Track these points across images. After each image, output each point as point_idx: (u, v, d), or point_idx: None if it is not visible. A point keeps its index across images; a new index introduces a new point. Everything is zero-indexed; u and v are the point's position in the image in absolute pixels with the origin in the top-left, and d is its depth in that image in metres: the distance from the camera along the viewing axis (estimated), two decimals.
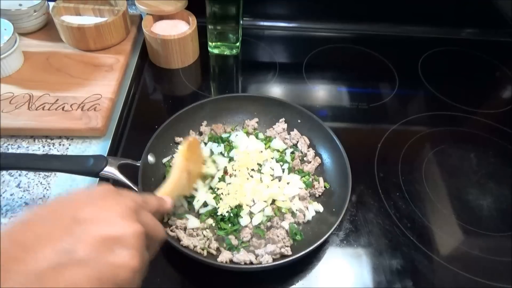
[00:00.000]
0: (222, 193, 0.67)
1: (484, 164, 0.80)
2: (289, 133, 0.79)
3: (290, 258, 0.57)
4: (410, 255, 0.65)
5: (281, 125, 0.79)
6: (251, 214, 0.66)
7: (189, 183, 0.64)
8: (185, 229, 0.64)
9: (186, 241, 0.61)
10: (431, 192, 0.74)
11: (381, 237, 0.67)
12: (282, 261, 0.57)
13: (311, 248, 0.57)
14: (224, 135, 0.77)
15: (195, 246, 0.61)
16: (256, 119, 0.80)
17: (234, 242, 0.63)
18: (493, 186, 0.76)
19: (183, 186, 0.61)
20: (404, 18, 1.08)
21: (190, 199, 0.67)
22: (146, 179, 0.66)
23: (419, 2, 1.04)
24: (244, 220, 0.65)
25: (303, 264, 0.63)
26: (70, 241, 0.32)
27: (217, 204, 0.65)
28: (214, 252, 0.62)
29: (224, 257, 0.59)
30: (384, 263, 0.64)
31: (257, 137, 0.77)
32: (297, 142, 0.77)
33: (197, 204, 0.66)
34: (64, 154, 0.66)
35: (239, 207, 0.65)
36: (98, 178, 0.71)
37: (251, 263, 0.59)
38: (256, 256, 0.61)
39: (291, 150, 0.76)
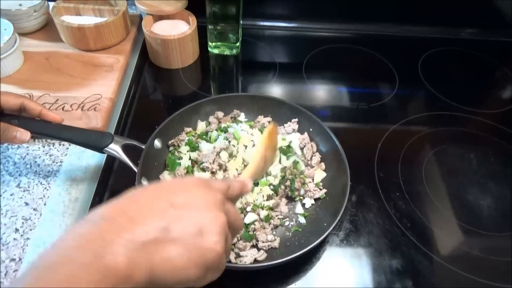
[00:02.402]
0: None
1: (484, 164, 0.80)
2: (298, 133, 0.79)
3: (287, 258, 0.57)
4: (410, 255, 0.65)
5: (292, 125, 0.79)
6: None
7: (263, 170, 0.64)
8: None
9: None
10: (431, 192, 0.74)
11: (381, 237, 0.67)
12: (279, 261, 0.57)
13: (301, 252, 0.57)
14: (230, 128, 0.77)
15: None
16: (269, 118, 0.80)
17: None
18: (493, 186, 0.76)
19: (259, 173, 0.61)
20: (404, 18, 1.08)
21: None
22: (149, 163, 0.68)
23: (419, 2, 1.04)
24: None
25: (303, 264, 0.63)
26: (167, 221, 0.36)
27: None
28: None
29: None
30: (384, 263, 0.64)
31: (262, 132, 0.77)
32: (304, 146, 0.77)
33: None
34: (76, 126, 0.68)
35: None
36: (98, 178, 0.71)
37: (229, 261, 0.59)
38: (238, 255, 0.61)
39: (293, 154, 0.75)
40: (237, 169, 0.71)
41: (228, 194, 0.44)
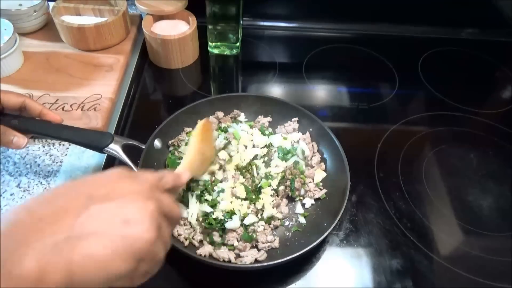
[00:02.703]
0: (216, 202, 0.65)
1: (484, 164, 0.80)
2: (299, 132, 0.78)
3: (287, 258, 0.57)
4: (410, 255, 0.65)
5: (292, 124, 0.79)
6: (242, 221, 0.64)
7: (203, 165, 0.65)
8: None
9: None
10: (431, 192, 0.74)
11: (381, 237, 0.67)
12: (278, 261, 0.57)
13: (301, 252, 0.57)
14: (230, 129, 0.77)
15: (179, 234, 0.62)
16: (269, 118, 0.80)
17: (217, 239, 0.63)
18: (493, 186, 0.76)
19: (197, 167, 0.62)
20: (404, 18, 1.08)
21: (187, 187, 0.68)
22: (149, 163, 0.68)
23: (419, 2, 1.04)
24: (232, 223, 0.63)
25: (303, 264, 0.63)
26: (85, 216, 0.34)
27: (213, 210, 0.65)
28: (197, 244, 0.62)
29: (205, 250, 0.60)
30: (384, 263, 0.64)
31: (262, 132, 0.77)
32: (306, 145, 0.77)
33: (192, 218, 0.64)
34: (76, 126, 0.68)
35: (232, 212, 0.64)
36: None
37: (230, 261, 0.59)
38: (238, 256, 0.61)
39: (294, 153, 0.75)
40: (235, 169, 0.70)
41: (160, 186, 0.43)
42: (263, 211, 0.66)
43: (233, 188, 0.67)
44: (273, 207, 0.67)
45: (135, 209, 0.36)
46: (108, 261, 0.32)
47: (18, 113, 0.64)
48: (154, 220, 0.36)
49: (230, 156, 0.71)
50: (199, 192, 0.66)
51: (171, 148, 0.75)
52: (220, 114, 0.79)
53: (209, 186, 0.66)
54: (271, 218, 0.66)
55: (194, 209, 0.64)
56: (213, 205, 0.65)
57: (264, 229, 0.64)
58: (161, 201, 0.39)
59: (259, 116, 0.81)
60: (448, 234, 0.69)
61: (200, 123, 0.62)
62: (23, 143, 0.61)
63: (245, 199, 0.66)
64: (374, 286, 0.61)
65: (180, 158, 0.72)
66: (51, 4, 0.92)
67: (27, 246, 0.30)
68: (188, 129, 0.77)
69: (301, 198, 0.70)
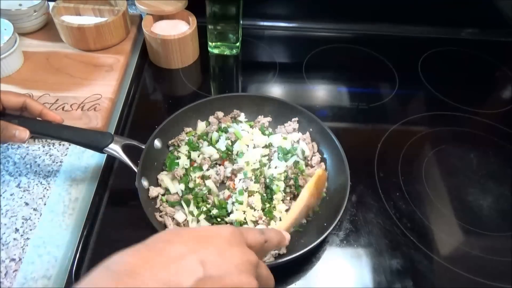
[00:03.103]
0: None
1: (484, 164, 0.80)
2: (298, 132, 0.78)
3: (287, 258, 0.57)
4: (410, 255, 0.65)
5: (292, 124, 0.79)
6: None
7: (304, 216, 0.64)
8: (173, 217, 0.64)
9: (171, 228, 0.62)
10: (431, 192, 0.74)
11: (381, 237, 0.67)
12: (278, 261, 0.57)
13: (302, 251, 0.57)
14: (230, 129, 0.77)
15: None
16: (269, 118, 0.80)
17: None
18: (493, 186, 0.76)
19: (300, 220, 0.61)
20: (404, 18, 1.08)
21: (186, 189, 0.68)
22: (149, 163, 0.68)
23: (419, 2, 1.04)
24: None
25: (303, 264, 0.63)
26: (195, 282, 0.32)
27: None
28: None
29: None
30: (384, 263, 0.64)
31: (263, 132, 0.77)
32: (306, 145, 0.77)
33: (192, 224, 0.64)
34: (76, 126, 0.68)
35: (242, 222, 0.64)
36: (98, 178, 0.71)
37: None
38: None
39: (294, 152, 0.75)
40: (251, 173, 0.69)
41: (264, 248, 0.42)
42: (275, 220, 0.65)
43: (249, 197, 0.66)
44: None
45: (239, 284, 0.34)
46: None
47: (18, 113, 0.64)
48: None
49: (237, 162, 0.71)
50: (206, 209, 0.65)
51: (171, 148, 0.75)
52: (220, 114, 0.79)
53: (217, 199, 0.66)
54: None
55: (195, 217, 0.65)
56: (221, 216, 0.64)
57: None
58: (261, 277, 0.39)
59: (259, 116, 0.81)
60: (448, 234, 0.69)
61: (316, 175, 0.61)
62: (26, 136, 0.61)
63: (261, 209, 0.65)
64: (374, 286, 0.61)
65: (179, 157, 0.72)
66: (51, 4, 0.92)
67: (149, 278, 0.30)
68: (188, 129, 0.77)
69: None
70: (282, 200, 0.67)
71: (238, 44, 0.98)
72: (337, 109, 0.90)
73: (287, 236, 0.47)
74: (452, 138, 0.85)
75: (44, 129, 0.64)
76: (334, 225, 0.60)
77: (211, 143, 0.75)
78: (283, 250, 0.62)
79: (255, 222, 0.64)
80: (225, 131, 0.76)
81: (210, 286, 0.33)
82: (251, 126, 0.79)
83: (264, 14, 1.08)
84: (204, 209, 0.65)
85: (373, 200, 0.72)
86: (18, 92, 0.79)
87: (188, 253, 0.34)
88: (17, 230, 0.64)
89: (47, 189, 0.70)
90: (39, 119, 0.64)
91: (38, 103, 0.64)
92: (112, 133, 0.67)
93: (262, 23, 1.08)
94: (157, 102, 0.92)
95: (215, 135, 0.75)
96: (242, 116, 0.80)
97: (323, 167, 0.73)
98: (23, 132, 0.61)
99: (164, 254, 0.33)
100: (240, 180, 0.68)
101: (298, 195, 0.68)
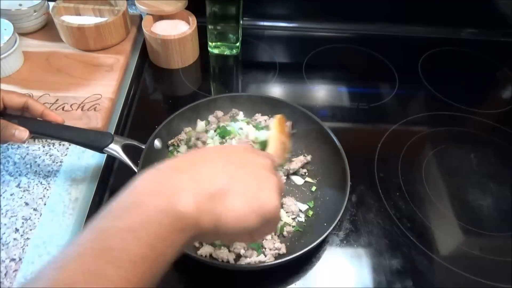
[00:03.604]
0: None
1: (484, 164, 0.80)
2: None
3: (287, 258, 0.57)
4: (410, 255, 0.65)
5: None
6: None
7: (283, 155, 0.67)
8: None
9: None
10: (431, 192, 0.74)
11: (381, 237, 0.67)
12: (278, 261, 0.57)
13: (303, 251, 0.57)
14: (228, 127, 0.77)
15: None
16: (266, 117, 0.80)
17: (217, 241, 0.62)
18: (493, 186, 0.76)
19: (280, 156, 0.65)
20: (404, 18, 1.08)
21: None
22: (149, 163, 0.67)
23: (419, 2, 1.04)
24: None
25: (303, 264, 0.63)
26: (229, 175, 0.40)
27: None
28: (197, 244, 0.62)
29: (205, 250, 0.60)
30: (384, 263, 0.64)
31: (257, 128, 0.77)
32: None
33: None
34: (76, 126, 0.68)
35: None
36: (98, 178, 0.71)
37: (228, 261, 0.59)
38: (238, 256, 0.61)
39: None
40: None
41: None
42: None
43: None
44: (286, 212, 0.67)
45: (265, 178, 0.42)
46: (245, 215, 0.39)
47: (19, 113, 0.64)
48: (278, 189, 0.43)
49: None
50: None
51: (170, 148, 0.75)
52: (219, 113, 0.79)
53: None
54: (283, 226, 0.65)
55: None
56: None
57: (271, 237, 0.64)
58: (279, 177, 0.46)
59: (257, 114, 0.81)
60: (448, 234, 0.69)
61: (276, 117, 0.68)
62: (25, 136, 0.61)
63: None
64: (374, 286, 0.61)
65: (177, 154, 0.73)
66: (51, 4, 0.92)
67: (190, 192, 0.36)
68: (187, 129, 0.77)
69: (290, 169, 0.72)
70: None
71: (238, 44, 0.98)
72: (337, 109, 0.90)
73: (277, 159, 0.54)
74: (452, 138, 0.85)
75: (44, 129, 0.64)
76: (334, 225, 0.60)
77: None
78: (283, 250, 0.62)
79: None
80: (222, 135, 0.76)
81: (242, 176, 0.41)
82: (247, 123, 0.79)
83: (264, 14, 1.08)
84: None
85: (373, 200, 0.72)
86: (18, 92, 0.80)
87: (218, 157, 0.42)
88: (17, 230, 0.64)
89: (47, 189, 0.70)
90: (40, 119, 0.64)
91: (40, 104, 0.64)
92: (112, 133, 0.67)
93: (262, 23, 1.08)
94: (157, 102, 0.92)
95: (210, 133, 0.75)
96: (241, 115, 0.80)
97: (308, 160, 0.76)
98: (23, 132, 0.61)
99: (201, 157, 0.42)
100: None
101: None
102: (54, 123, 0.64)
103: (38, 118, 0.64)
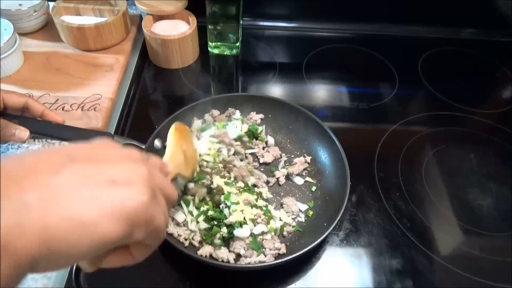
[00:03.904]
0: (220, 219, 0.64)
1: (484, 164, 0.80)
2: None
3: (287, 258, 0.57)
4: (410, 255, 0.65)
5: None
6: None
7: (187, 164, 0.62)
8: (173, 218, 0.64)
9: (171, 228, 0.62)
10: (431, 192, 0.74)
11: (381, 237, 0.67)
12: (278, 261, 0.57)
13: (303, 251, 0.57)
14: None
15: (179, 235, 0.62)
16: (261, 115, 0.80)
17: (216, 241, 0.62)
18: (493, 186, 0.76)
19: (181, 163, 0.59)
20: (404, 18, 1.08)
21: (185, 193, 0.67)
22: None
23: (419, 2, 1.04)
24: (241, 231, 0.61)
25: (303, 264, 0.63)
26: (63, 174, 0.28)
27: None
28: (197, 245, 0.62)
29: (205, 251, 0.60)
30: (384, 263, 0.64)
31: (254, 130, 0.77)
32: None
33: (191, 225, 0.64)
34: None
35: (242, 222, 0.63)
36: None
37: (228, 261, 0.59)
38: (238, 256, 0.61)
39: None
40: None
41: (149, 163, 0.37)
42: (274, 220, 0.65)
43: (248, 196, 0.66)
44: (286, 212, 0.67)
45: (125, 170, 0.31)
46: (94, 223, 0.27)
47: (20, 113, 0.64)
48: (147, 182, 0.31)
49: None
50: (205, 209, 0.64)
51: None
52: (215, 112, 0.79)
53: (215, 199, 0.66)
54: (283, 226, 0.65)
55: (195, 218, 0.64)
56: (219, 218, 0.63)
57: (271, 237, 0.63)
58: (154, 173, 0.34)
59: (252, 113, 0.80)
60: (448, 234, 0.69)
61: (173, 126, 0.62)
62: (25, 136, 0.61)
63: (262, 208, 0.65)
64: (374, 286, 0.61)
65: None
66: (51, 4, 0.92)
67: None
68: None
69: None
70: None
71: (238, 44, 0.98)
72: (337, 109, 0.90)
73: (169, 164, 0.44)
74: (452, 138, 0.85)
75: (44, 129, 0.64)
76: (334, 225, 0.60)
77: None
78: (283, 250, 0.62)
79: (254, 221, 0.64)
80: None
81: (87, 170, 0.29)
82: (242, 121, 0.78)
83: (264, 14, 1.08)
84: (204, 209, 0.65)
85: (373, 200, 0.72)
86: (19, 92, 0.80)
87: (52, 154, 0.30)
88: None
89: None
90: (40, 119, 0.64)
91: (40, 104, 0.64)
92: (112, 133, 0.67)
93: (262, 23, 1.08)
94: (157, 102, 0.92)
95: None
96: (237, 114, 0.80)
97: (308, 162, 0.75)
98: (23, 132, 0.61)
99: (21, 160, 0.29)
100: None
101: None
102: (54, 123, 0.64)
103: (38, 118, 0.64)
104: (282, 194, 0.71)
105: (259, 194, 0.69)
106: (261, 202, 0.67)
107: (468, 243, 0.67)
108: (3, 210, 0.25)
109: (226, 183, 0.67)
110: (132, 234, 0.30)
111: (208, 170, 0.67)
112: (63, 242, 0.26)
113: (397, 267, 0.63)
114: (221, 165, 0.68)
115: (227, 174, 0.69)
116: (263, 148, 0.78)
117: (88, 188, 0.28)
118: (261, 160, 0.76)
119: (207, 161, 0.67)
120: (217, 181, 0.66)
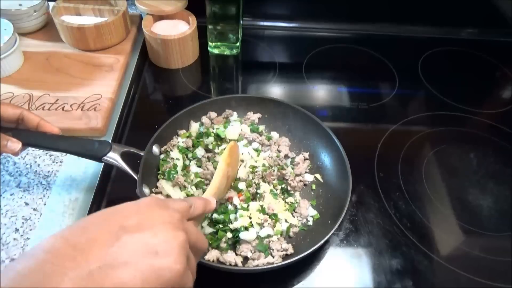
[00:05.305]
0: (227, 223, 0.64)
1: (484, 164, 0.80)
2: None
3: (289, 260, 0.57)
4: (410, 255, 0.65)
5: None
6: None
7: (226, 188, 0.64)
8: None
9: None
10: (431, 192, 0.74)
11: (381, 237, 0.67)
12: (288, 261, 0.57)
13: (310, 250, 0.57)
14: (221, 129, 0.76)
15: None
16: (258, 115, 0.80)
17: (223, 245, 0.62)
18: (493, 186, 0.76)
19: (223, 192, 0.62)
20: (404, 18, 1.08)
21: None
22: (148, 169, 0.67)
23: (419, 2, 1.04)
24: (248, 234, 0.61)
25: (303, 264, 0.63)
26: (117, 246, 0.34)
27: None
28: None
29: (212, 255, 0.59)
30: (384, 263, 0.64)
31: (252, 127, 0.77)
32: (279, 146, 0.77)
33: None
34: (71, 136, 0.67)
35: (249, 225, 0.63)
36: (98, 178, 0.71)
37: (236, 264, 0.59)
38: (245, 259, 0.61)
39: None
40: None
41: (190, 214, 0.44)
42: (280, 222, 0.65)
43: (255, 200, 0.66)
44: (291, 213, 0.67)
45: (165, 240, 0.36)
46: None
47: (14, 126, 0.63)
48: (183, 251, 0.37)
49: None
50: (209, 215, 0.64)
51: (162, 156, 0.72)
52: (212, 114, 0.79)
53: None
54: (289, 228, 0.65)
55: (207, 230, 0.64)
56: (224, 222, 0.63)
57: (277, 238, 0.63)
58: (190, 232, 0.40)
59: (249, 113, 0.80)
60: (448, 234, 0.69)
61: (228, 147, 0.62)
62: (17, 147, 0.60)
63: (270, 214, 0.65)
64: (374, 286, 0.61)
65: (175, 166, 0.70)
66: (51, 4, 0.92)
67: (63, 274, 0.31)
68: (181, 131, 0.76)
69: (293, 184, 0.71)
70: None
71: (238, 44, 0.98)
72: (337, 109, 0.90)
73: (212, 201, 0.50)
74: (452, 138, 0.85)
75: (39, 141, 0.63)
76: (339, 223, 0.60)
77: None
78: (290, 251, 0.62)
79: (261, 225, 0.63)
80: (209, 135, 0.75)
81: (134, 243, 0.35)
82: (240, 122, 0.78)
83: (264, 14, 1.08)
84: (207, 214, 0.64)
85: (373, 200, 0.72)
86: (19, 92, 0.80)
87: (107, 223, 0.36)
88: (17, 230, 0.64)
89: (47, 189, 0.70)
90: (35, 131, 0.62)
91: (35, 115, 0.62)
92: (110, 141, 0.66)
93: (262, 23, 1.08)
94: (157, 102, 0.92)
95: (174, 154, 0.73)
96: (234, 116, 0.80)
97: (308, 163, 0.75)
98: (15, 144, 0.60)
99: (83, 229, 0.35)
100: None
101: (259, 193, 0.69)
102: (49, 134, 0.63)
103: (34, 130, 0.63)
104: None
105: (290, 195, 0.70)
106: (290, 199, 0.69)
107: (468, 243, 0.67)
108: (75, 279, 0.31)
109: (271, 191, 0.68)
110: None
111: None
112: None
113: (397, 267, 0.63)
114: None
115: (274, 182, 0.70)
116: (274, 143, 0.77)
117: (135, 260, 0.34)
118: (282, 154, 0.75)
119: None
120: (264, 188, 0.68)
